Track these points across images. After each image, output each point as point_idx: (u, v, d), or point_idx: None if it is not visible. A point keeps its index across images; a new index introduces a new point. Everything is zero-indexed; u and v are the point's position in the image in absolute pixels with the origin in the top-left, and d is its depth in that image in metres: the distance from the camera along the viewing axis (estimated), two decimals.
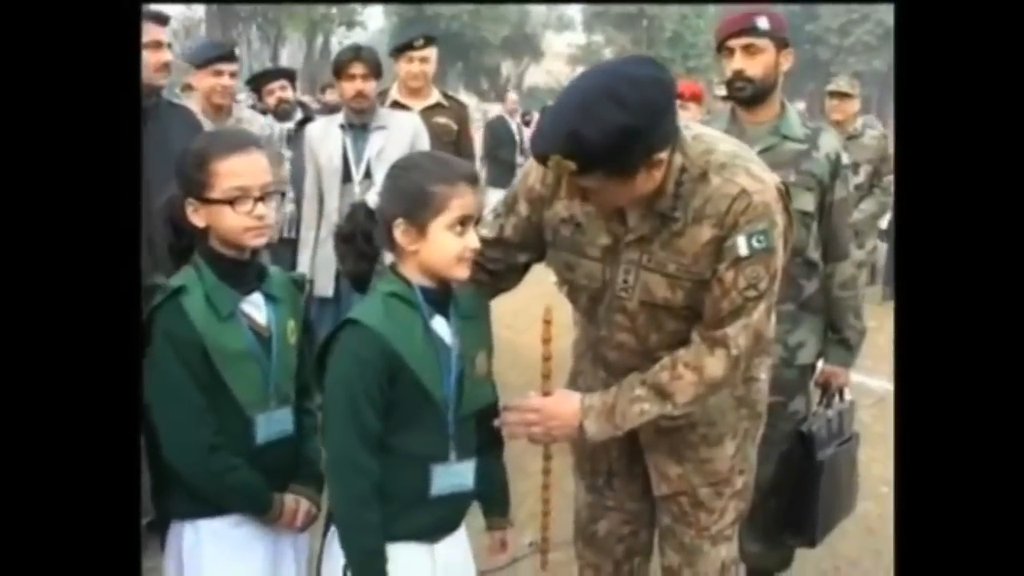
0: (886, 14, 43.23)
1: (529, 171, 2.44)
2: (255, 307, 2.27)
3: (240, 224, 2.19)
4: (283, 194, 5.12)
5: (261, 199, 2.21)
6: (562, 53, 49.95)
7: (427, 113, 5.12)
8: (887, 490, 4.81)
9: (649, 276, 2.27)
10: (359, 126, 4.57)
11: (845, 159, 3.28)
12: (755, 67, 3.17)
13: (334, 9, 41.26)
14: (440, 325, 2.15)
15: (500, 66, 47.00)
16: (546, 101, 29.63)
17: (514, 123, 12.19)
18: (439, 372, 2.12)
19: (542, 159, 2.09)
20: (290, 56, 44.85)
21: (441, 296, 2.16)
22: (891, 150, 7.61)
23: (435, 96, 5.37)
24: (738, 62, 3.19)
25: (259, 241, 2.26)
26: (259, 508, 2.29)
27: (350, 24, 43.22)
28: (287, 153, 5.50)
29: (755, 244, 2.17)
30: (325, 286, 4.59)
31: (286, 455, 2.35)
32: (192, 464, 2.19)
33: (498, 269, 2.47)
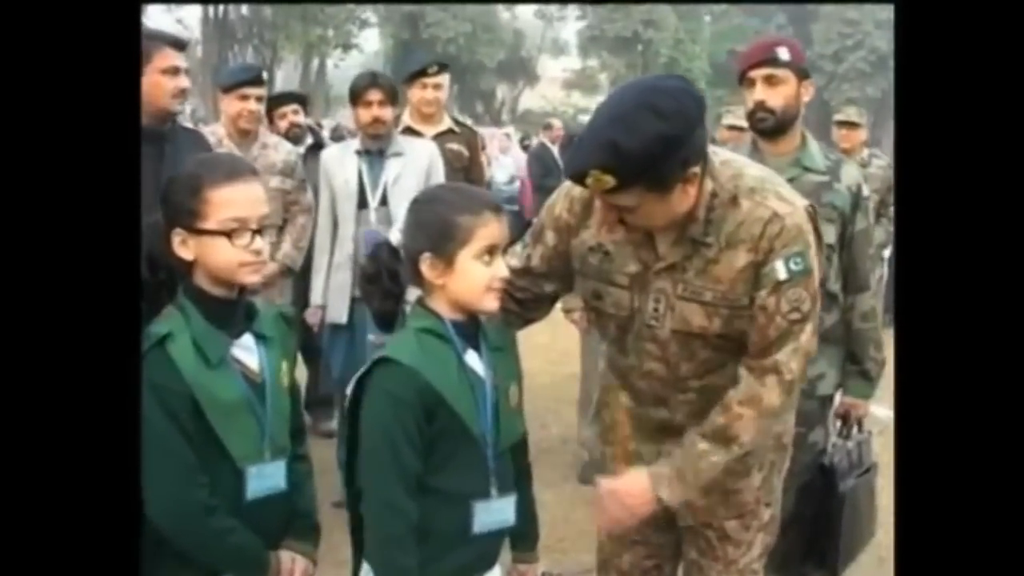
0: (879, 40, 43.52)
1: (556, 200, 2.45)
2: (246, 350, 2.14)
3: (236, 259, 2.05)
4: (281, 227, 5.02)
5: (259, 232, 2.08)
6: (557, 78, 50.17)
7: (439, 139, 5.13)
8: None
9: (684, 305, 2.27)
10: (375, 152, 4.56)
11: (865, 191, 3.30)
12: (776, 98, 3.20)
13: (330, 31, 41.39)
14: (473, 359, 2.13)
15: (495, 90, 47.13)
16: (540, 125, 29.69)
17: (555, 149, 12.04)
18: (476, 407, 2.10)
19: (579, 177, 2.08)
20: (285, 78, 44.92)
21: (471, 329, 2.15)
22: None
23: (447, 122, 5.38)
24: (759, 93, 3.22)
25: (254, 278, 2.12)
26: (256, 571, 2.16)
27: (346, 47, 43.32)
28: None
29: (793, 267, 2.18)
30: (339, 313, 4.58)
31: (278, 511, 2.20)
32: (184, 527, 2.02)
33: (526, 299, 2.47)
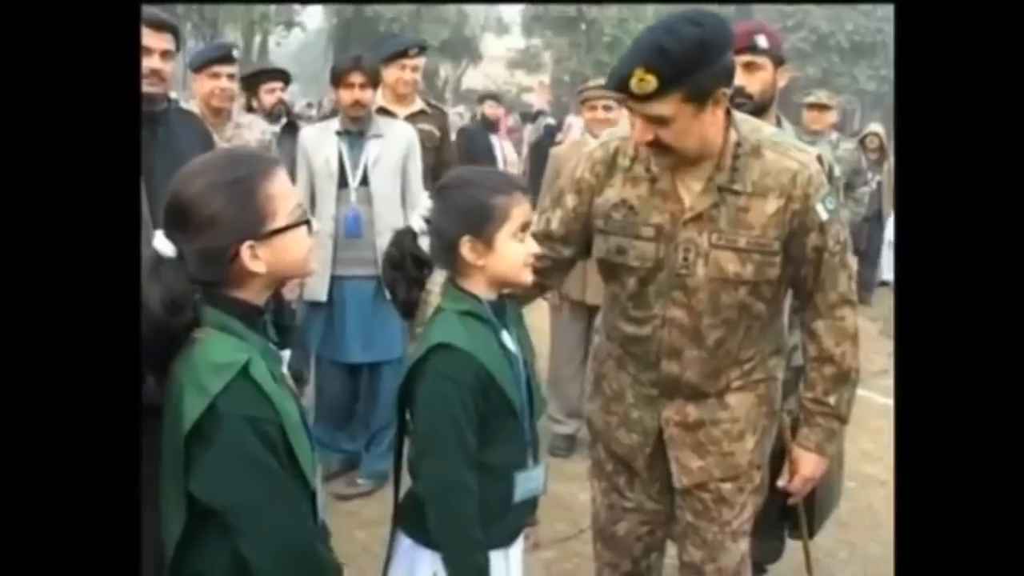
0: (819, 19, 43.94)
1: (577, 164, 2.63)
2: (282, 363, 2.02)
3: (307, 248, 1.92)
4: None
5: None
6: (500, 56, 49.93)
7: (412, 119, 5.24)
8: (853, 485, 5.02)
9: (719, 253, 2.45)
10: (355, 133, 4.65)
11: (837, 171, 3.47)
12: (754, 83, 3.35)
13: (273, 9, 40.85)
14: (506, 338, 2.21)
15: (439, 68, 46.87)
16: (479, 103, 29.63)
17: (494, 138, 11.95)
18: (514, 382, 2.18)
19: (624, 78, 2.21)
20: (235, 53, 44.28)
21: (501, 309, 2.23)
22: (864, 163, 7.96)
23: (418, 103, 5.48)
24: (739, 79, 3.33)
25: (314, 266, 2.02)
26: None
27: (289, 24, 42.76)
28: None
29: (829, 206, 2.45)
30: (319, 291, 4.66)
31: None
32: (298, 562, 1.84)
33: (545, 266, 2.58)
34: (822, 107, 7.27)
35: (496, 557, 2.19)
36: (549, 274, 2.67)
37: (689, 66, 2.19)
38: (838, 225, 2.49)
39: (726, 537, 2.69)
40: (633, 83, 2.20)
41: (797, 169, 2.42)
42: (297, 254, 1.89)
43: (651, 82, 2.18)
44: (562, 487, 4.75)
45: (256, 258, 1.81)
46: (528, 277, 2.21)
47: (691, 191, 2.45)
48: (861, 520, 4.78)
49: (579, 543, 4.31)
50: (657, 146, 2.35)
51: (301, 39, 51.14)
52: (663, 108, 2.25)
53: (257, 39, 42.27)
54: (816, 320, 2.58)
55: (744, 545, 2.74)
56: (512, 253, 2.16)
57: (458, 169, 2.40)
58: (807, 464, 2.70)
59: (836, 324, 2.56)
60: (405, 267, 2.19)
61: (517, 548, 2.32)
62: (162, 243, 1.80)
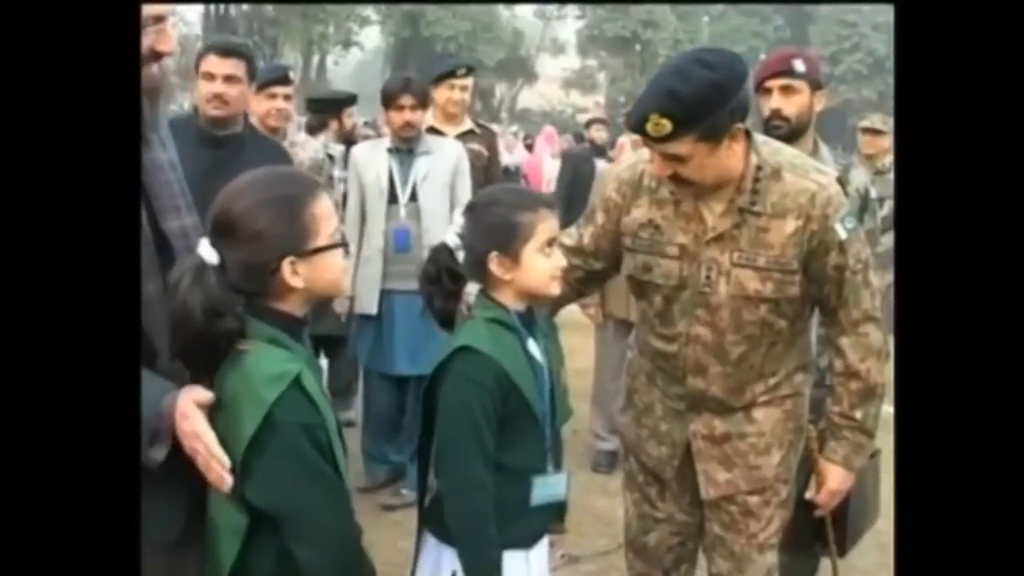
0: (876, 42, 43.64)
1: (606, 183, 2.75)
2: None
3: (341, 269, 2.01)
4: None
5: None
6: (556, 76, 50.14)
7: (461, 139, 5.31)
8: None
9: (740, 271, 2.53)
10: (405, 150, 4.77)
11: (873, 193, 3.52)
12: (791, 107, 3.39)
13: (331, 28, 41.42)
14: (532, 346, 2.30)
15: (495, 88, 47.21)
16: (539, 124, 29.76)
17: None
18: (537, 390, 2.26)
19: (640, 123, 2.33)
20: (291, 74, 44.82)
21: (529, 318, 2.32)
22: None
23: (467, 123, 5.57)
24: (775, 102, 3.40)
25: (346, 287, 2.16)
26: None
27: (347, 44, 43.44)
28: (341, 173, 5.63)
29: (848, 226, 2.52)
30: (369, 303, 4.77)
31: None
32: (348, 563, 1.93)
33: (578, 276, 2.73)
34: (876, 131, 7.22)
35: (515, 557, 2.26)
36: (583, 283, 2.83)
37: (702, 109, 2.30)
38: (859, 244, 2.55)
39: (753, 549, 2.74)
40: (649, 127, 2.31)
41: (815, 190, 2.49)
42: (333, 274, 1.96)
43: (665, 126, 2.29)
44: (604, 502, 4.82)
45: (296, 274, 1.87)
46: (555, 289, 2.30)
47: (713, 212, 2.53)
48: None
49: (618, 558, 4.31)
50: (676, 181, 2.48)
51: (359, 59, 51.75)
52: (679, 148, 2.36)
53: (315, 59, 42.81)
54: (841, 337, 2.63)
55: (771, 558, 2.78)
56: (539, 267, 2.25)
57: (488, 188, 2.51)
58: (834, 477, 2.75)
59: (861, 340, 2.61)
60: (441, 281, 2.29)
61: (540, 553, 2.38)
62: (207, 251, 1.86)
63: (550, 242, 2.26)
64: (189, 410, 1.84)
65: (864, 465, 3.50)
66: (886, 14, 43.96)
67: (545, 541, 2.43)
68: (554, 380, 2.35)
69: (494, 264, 2.24)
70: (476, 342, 2.20)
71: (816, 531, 3.43)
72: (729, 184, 2.50)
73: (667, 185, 2.57)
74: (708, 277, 2.55)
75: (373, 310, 4.75)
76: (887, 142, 7.26)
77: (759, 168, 2.51)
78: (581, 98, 47.99)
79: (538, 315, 2.40)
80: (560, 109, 48.17)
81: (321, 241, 1.90)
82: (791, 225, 2.49)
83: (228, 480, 1.81)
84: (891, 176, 7.03)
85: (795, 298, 2.56)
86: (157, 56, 1.87)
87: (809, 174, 2.54)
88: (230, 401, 1.84)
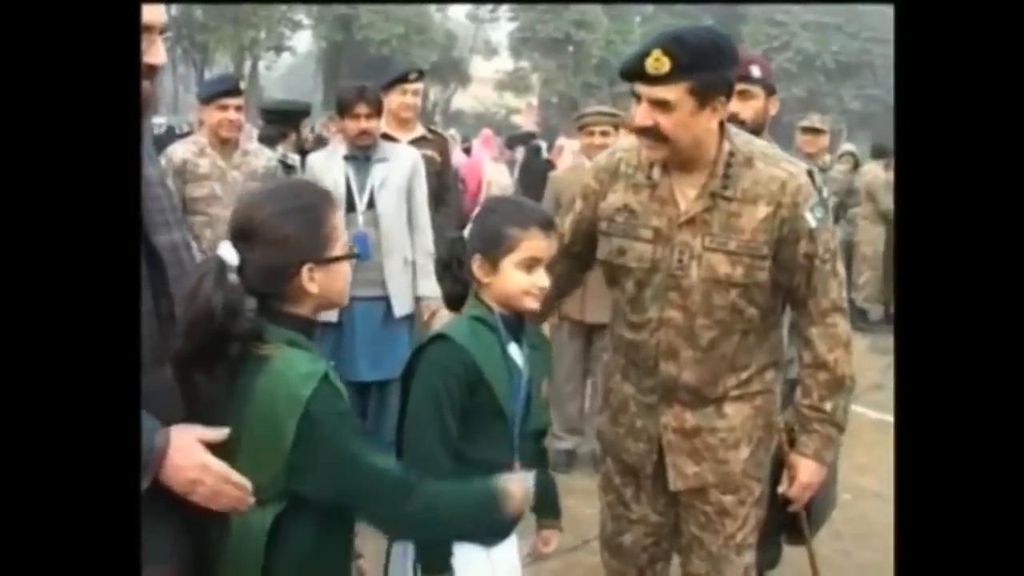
0: (805, 41, 44.36)
1: (586, 174, 2.85)
2: None
3: (347, 280, 2.10)
4: None
5: None
6: (489, 78, 50.19)
7: (414, 144, 5.32)
8: (848, 497, 5.17)
9: (711, 255, 2.59)
10: (362, 158, 4.78)
11: (825, 193, 3.63)
12: (747, 111, 3.51)
13: (263, 33, 41.02)
14: (514, 351, 2.37)
15: (428, 91, 47.13)
16: (473, 126, 29.77)
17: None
18: (510, 391, 2.33)
19: (641, 57, 2.44)
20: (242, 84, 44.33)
21: (516, 324, 2.39)
22: (856, 183, 8.15)
23: (420, 129, 5.61)
24: (733, 106, 3.46)
25: (348, 297, 2.19)
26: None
27: (279, 48, 43.07)
28: None
29: (817, 215, 2.60)
30: (329, 312, 4.74)
31: None
32: (411, 501, 2.04)
33: (560, 270, 2.77)
34: (816, 131, 7.49)
35: (474, 553, 2.34)
36: (567, 277, 2.90)
37: (701, 58, 2.42)
38: (827, 234, 2.63)
39: (730, 551, 2.78)
40: (649, 62, 2.41)
41: (786, 178, 2.58)
42: (342, 283, 2.06)
43: (665, 64, 2.39)
44: (567, 501, 4.85)
45: (312, 280, 1.96)
46: (529, 304, 2.36)
47: (687, 197, 2.61)
48: (856, 529, 4.90)
49: (584, 554, 4.43)
50: (654, 134, 2.51)
51: (290, 63, 51.39)
52: (669, 93, 2.44)
53: (247, 64, 42.43)
54: (810, 327, 2.68)
55: (749, 558, 2.82)
56: (514, 280, 2.32)
57: (500, 196, 2.61)
58: (805, 471, 2.77)
59: (829, 331, 2.67)
60: (451, 267, 2.43)
61: (505, 552, 2.43)
62: (229, 252, 1.94)
63: (533, 261, 2.33)
64: (189, 444, 1.87)
65: None
66: (815, 13, 44.79)
67: (512, 541, 2.47)
68: (531, 387, 2.41)
69: (476, 265, 2.34)
70: (452, 333, 2.32)
71: (778, 520, 3.52)
72: (702, 168, 2.59)
73: (642, 143, 2.62)
74: (680, 260, 2.61)
75: (333, 317, 4.75)
76: (825, 141, 7.50)
77: (731, 154, 2.59)
78: (514, 100, 48.16)
79: (531, 327, 2.48)
80: (494, 111, 48.29)
81: (336, 251, 2.01)
82: (762, 211, 2.56)
83: (249, 500, 1.89)
84: (833, 173, 7.25)
85: (764, 284, 2.61)
86: (149, 69, 1.89)
87: (780, 163, 2.63)
88: (264, 405, 1.91)
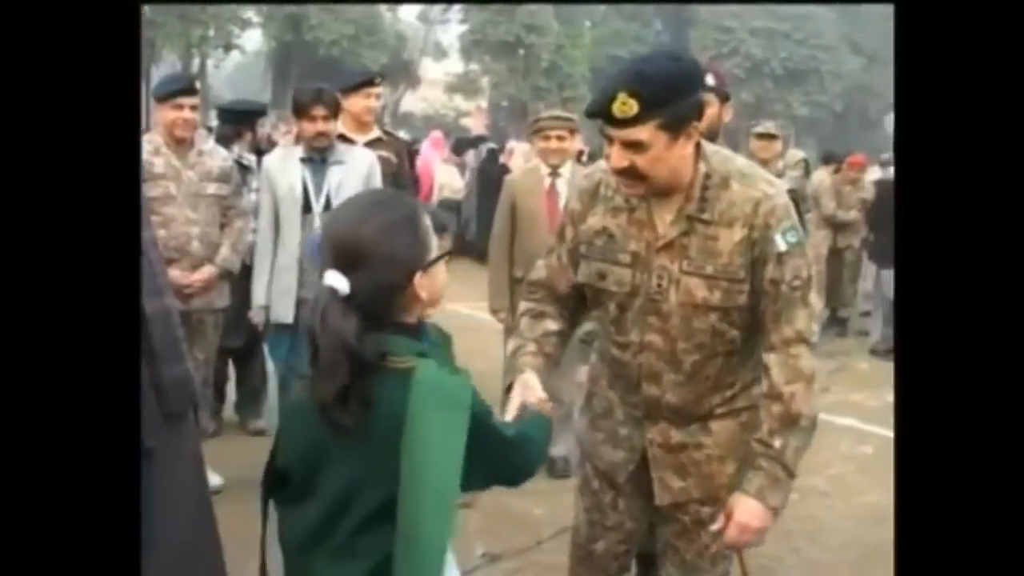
0: (753, 47, 44.75)
1: (569, 198, 2.79)
2: None
3: (446, 275, 2.10)
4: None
5: None
6: (439, 80, 50.10)
7: (370, 146, 5.38)
8: (796, 496, 5.26)
9: (689, 280, 2.52)
10: (318, 160, 4.81)
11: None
12: (703, 119, 3.56)
13: (211, 31, 40.59)
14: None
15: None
16: (422, 128, 29.65)
17: None
18: None
19: (607, 101, 2.34)
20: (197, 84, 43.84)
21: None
22: (808, 189, 8.30)
23: (376, 131, 5.66)
24: None
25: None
26: None
27: (228, 47, 42.58)
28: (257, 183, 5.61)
29: (790, 239, 2.49)
30: (285, 313, 4.81)
31: None
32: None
33: (568, 304, 2.77)
34: (770, 136, 7.65)
35: None
36: (574, 308, 2.80)
37: (667, 94, 2.33)
38: (799, 260, 2.50)
39: (704, 560, 2.77)
40: (616, 107, 2.32)
41: (760, 198, 2.49)
42: (443, 280, 2.07)
43: (632, 106, 2.31)
44: (517, 502, 4.92)
45: (422, 286, 1.97)
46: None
47: (664, 220, 2.55)
48: (804, 528, 5.00)
49: (537, 554, 4.49)
50: (631, 174, 2.44)
51: (238, 61, 50.94)
52: (641, 134, 2.36)
53: (195, 62, 42.00)
54: (770, 354, 2.53)
55: (722, 569, 2.81)
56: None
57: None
58: (743, 509, 2.52)
59: (789, 361, 2.50)
60: None
61: None
62: (339, 280, 1.89)
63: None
64: None
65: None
66: (763, 19, 45.23)
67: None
68: None
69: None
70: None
71: None
72: (679, 191, 2.52)
73: (619, 181, 2.54)
74: (659, 285, 2.56)
75: (289, 319, 4.78)
76: (779, 147, 7.64)
77: (708, 176, 2.52)
78: (464, 102, 48.13)
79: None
80: (443, 113, 48.24)
81: (434, 252, 2.02)
82: (738, 234, 2.49)
83: None
84: (784, 180, 7.37)
85: (744, 307, 2.54)
86: None
87: (757, 183, 2.53)
88: (419, 418, 1.86)
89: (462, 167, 15.52)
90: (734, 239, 2.50)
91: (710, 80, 3.54)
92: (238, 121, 6.20)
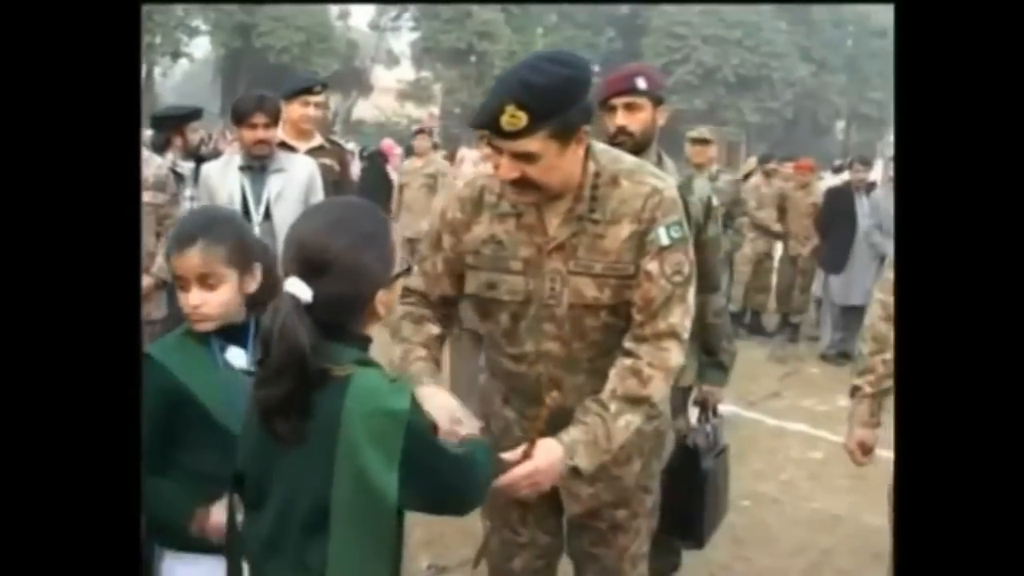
0: (705, 54, 45.14)
1: (445, 205, 2.63)
2: None
3: (397, 291, 2.15)
4: None
5: None
6: (391, 88, 50.09)
7: (312, 154, 5.30)
8: (748, 503, 5.28)
9: (577, 279, 2.45)
10: (258, 168, 4.73)
11: (715, 202, 3.70)
12: (635, 123, 3.51)
13: (158, 39, 40.26)
14: (236, 356, 2.34)
15: (329, 100, 46.84)
16: (374, 135, 29.51)
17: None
18: (226, 397, 2.28)
19: (494, 114, 2.23)
20: None
21: (236, 330, 2.36)
22: (742, 194, 8.37)
23: (318, 139, 5.58)
24: (620, 119, 3.52)
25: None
26: None
27: (176, 55, 42.31)
28: (192, 191, 5.53)
29: (673, 234, 2.43)
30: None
31: None
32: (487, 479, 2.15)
33: (442, 314, 2.66)
34: (704, 141, 7.70)
35: (210, 563, 2.28)
36: (448, 318, 2.73)
37: (557, 102, 2.24)
38: (681, 256, 2.45)
39: (625, 563, 2.73)
40: (504, 120, 2.22)
41: (648, 192, 2.45)
42: (396, 295, 2.07)
43: (521, 119, 2.22)
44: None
45: (381, 302, 1.96)
46: (198, 326, 2.35)
47: (553, 223, 2.47)
48: (755, 535, 4.98)
49: (483, 565, 4.45)
50: (522, 184, 2.37)
51: (187, 69, 50.60)
52: (531, 145, 2.27)
53: (143, 70, 41.63)
54: (640, 344, 2.45)
55: (643, 568, 2.80)
56: (181, 300, 2.34)
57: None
58: (544, 455, 2.32)
59: (659, 353, 2.43)
60: None
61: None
62: (301, 288, 1.87)
63: (181, 281, 2.32)
64: None
65: (714, 462, 3.69)
66: (715, 27, 45.61)
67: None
68: None
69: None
70: (154, 350, 2.32)
71: (674, 524, 3.58)
72: (568, 192, 2.44)
73: (509, 195, 2.46)
74: (552, 288, 2.48)
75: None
76: (714, 151, 7.72)
77: (597, 175, 2.46)
78: (416, 110, 48.07)
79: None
80: (395, 121, 48.15)
81: (397, 268, 2.01)
82: (626, 230, 2.44)
83: None
84: (720, 184, 7.44)
85: (632, 304, 2.48)
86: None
87: (646, 178, 2.48)
88: (349, 423, 1.83)
89: None
90: (622, 236, 2.44)
91: (641, 83, 3.52)
92: (168, 127, 6.10)
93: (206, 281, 2.30)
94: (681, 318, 2.45)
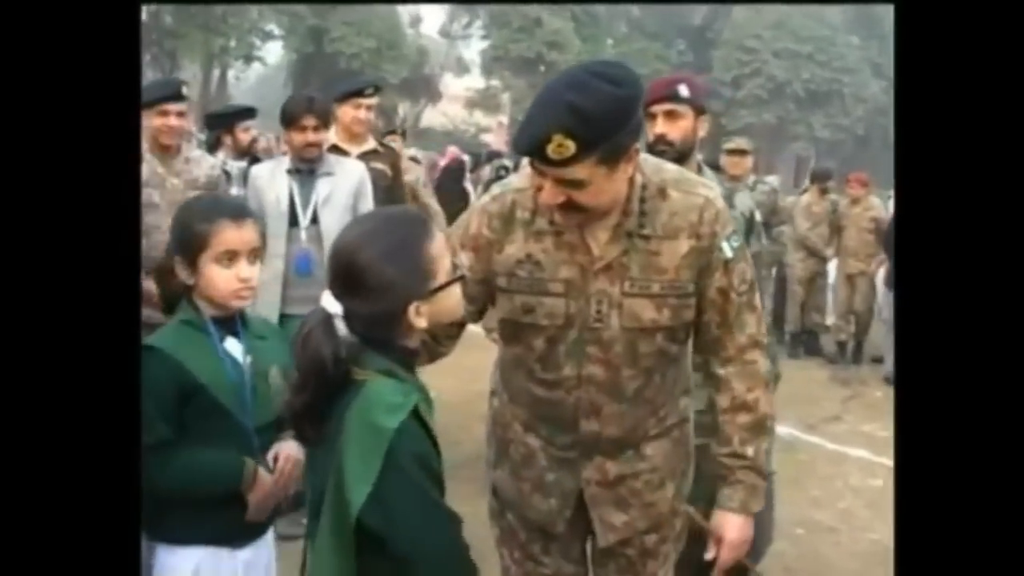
0: (776, 68, 44.69)
1: (469, 220, 2.45)
2: None
3: (459, 298, 2.09)
4: None
5: None
6: (460, 96, 50.25)
7: (364, 158, 5.26)
8: (802, 531, 5.11)
9: (633, 301, 2.32)
10: (306, 171, 4.68)
11: (757, 216, 3.58)
12: (675, 131, 3.42)
13: (233, 42, 40.79)
14: (232, 346, 2.36)
15: (397, 106, 47.09)
16: (442, 143, 29.64)
17: None
18: (232, 386, 2.34)
19: (540, 144, 2.06)
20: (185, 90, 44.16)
21: (231, 320, 2.39)
22: (781, 203, 8.27)
23: (371, 142, 5.54)
24: (660, 127, 3.43)
25: (463, 310, 2.19)
26: None
27: (249, 58, 42.77)
28: (238, 191, 5.49)
29: (734, 244, 2.38)
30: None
31: None
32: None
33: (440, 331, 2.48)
34: (741, 152, 7.63)
35: (219, 555, 2.38)
36: (445, 338, 2.60)
37: (608, 128, 2.07)
38: (744, 264, 2.40)
39: None
40: (551, 149, 2.05)
41: (703, 204, 2.33)
42: (452, 305, 2.00)
43: (570, 147, 2.04)
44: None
45: (420, 315, 1.91)
46: (236, 304, 2.36)
47: (599, 240, 2.31)
48: (808, 566, 4.81)
49: None
50: (568, 207, 2.21)
51: (260, 73, 51.17)
52: (579, 172, 2.11)
53: (216, 73, 42.22)
54: (726, 366, 2.43)
55: None
56: (215, 277, 2.32)
57: (196, 195, 2.53)
58: (732, 528, 2.45)
59: (747, 368, 2.42)
60: (163, 273, 2.42)
61: (259, 554, 2.47)
62: (331, 302, 1.89)
63: (230, 254, 2.31)
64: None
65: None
66: (786, 41, 45.16)
67: (267, 539, 2.50)
68: (255, 379, 2.39)
69: (178, 267, 2.33)
70: (157, 342, 2.30)
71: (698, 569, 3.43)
72: (615, 208, 2.29)
73: (547, 215, 2.32)
74: (599, 311, 2.34)
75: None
76: (750, 162, 7.69)
77: (644, 187, 2.31)
78: (484, 118, 48.17)
79: (253, 318, 2.50)
80: (463, 128, 48.28)
81: (440, 279, 1.93)
82: (684, 245, 2.32)
83: None
84: (757, 196, 7.38)
85: (691, 323, 2.42)
86: None
87: (696, 189, 2.37)
88: (357, 431, 1.83)
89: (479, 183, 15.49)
90: (680, 251, 2.33)
91: (683, 91, 3.43)
92: (220, 126, 6.09)
93: (257, 255, 2.36)
94: (757, 326, 2.45)
